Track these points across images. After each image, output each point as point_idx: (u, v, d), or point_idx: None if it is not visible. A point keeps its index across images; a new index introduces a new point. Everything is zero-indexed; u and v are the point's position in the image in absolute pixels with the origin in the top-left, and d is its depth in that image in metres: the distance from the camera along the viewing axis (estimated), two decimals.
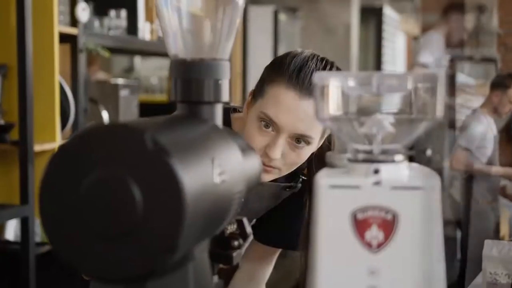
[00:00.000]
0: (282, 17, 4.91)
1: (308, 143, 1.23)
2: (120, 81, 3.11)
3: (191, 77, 0.79)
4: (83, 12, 2.59)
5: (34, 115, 2.35)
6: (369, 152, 0.70)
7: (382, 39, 7.27)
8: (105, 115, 2.88)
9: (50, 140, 2.45)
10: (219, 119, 0.81)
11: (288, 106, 1.21)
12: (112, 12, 2.97)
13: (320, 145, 1.32)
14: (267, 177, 1.27)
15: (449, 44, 4.55)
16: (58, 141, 2.49)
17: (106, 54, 2.73)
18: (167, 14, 0.81)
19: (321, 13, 5.26)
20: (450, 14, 4.48)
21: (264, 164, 1.24)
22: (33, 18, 2.37)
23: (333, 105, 0.70)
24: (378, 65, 7.36)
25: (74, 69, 2.62)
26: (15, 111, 2.34)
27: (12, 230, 2.52)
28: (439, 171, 4.38)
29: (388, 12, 7.40)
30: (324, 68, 1.25)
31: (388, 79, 0.68)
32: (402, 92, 0.69)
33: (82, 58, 2.62)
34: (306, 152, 1.25)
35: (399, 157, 0.70)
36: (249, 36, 4.65)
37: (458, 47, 4.74)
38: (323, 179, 0.68)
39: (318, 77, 0.70)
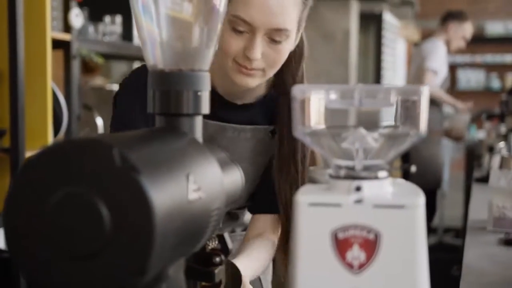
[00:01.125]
0: None
1: (286, 36, 1.21)
2: (116, 87, 3.08)
3: (170, 88, 0.77)
4: (77, 18, 2.57)
5: (26, 121, 2.33)
6: (351, 168, 0.68)
7: (382, 45, 7.24)
8: (100, 122, 2.85)
9: (42, 147, 2.43)
10: (198, 132, 0.78)
11: (259, 2, 1.17)
12: (107, 18, 2.94)
13: (297, 44, 1.30)
14: (252, 81, 1.25)
15: (448, 51, 4.62)
16: None
17: (99, 60, 2.70)
18: (145, 22, 0.78)
19: (320, 19, 5.24)
20: (448, 23, 4.53)
21: (246, 68, 1.22)
22: (26, 23, 2.34)
23: (314, 119, 0.68)
24: (377, 71, 7.33)
25: (67, 76, 2.59)
26: (7, 117, 2.32)
27: (2, 238, 2.50)
28: None
29: (388, 18, 7.38)
30: None
31: (370, 93, 0.66)
32: (385, 106, 0.67)
33: (76, 65, 2.60)
34: (285, 47, 1.23)
35: (382, 173, 0.67)
36: None
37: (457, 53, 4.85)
38: (302, 196, 0.66)
39: (298, 89, 0.67)
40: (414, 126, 0.67)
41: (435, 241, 5.37)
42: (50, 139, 2.46)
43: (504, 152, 2.88)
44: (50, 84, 2.43)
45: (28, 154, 2.34)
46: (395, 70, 8.21)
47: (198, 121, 0.78)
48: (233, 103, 1.35)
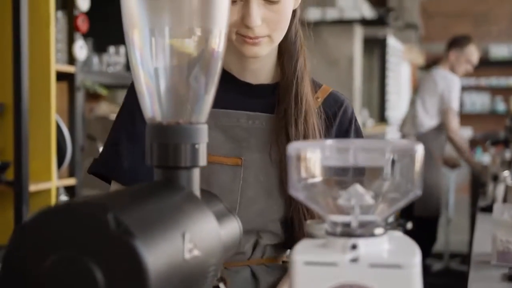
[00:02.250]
0: None
1: None
2: None
3: (168, 141, 0.77)
4: (81, 50, 2.59)
5: (30, 154, 2.34)
6: (347, 225, 0.68)
7: (386, 69, 7.26)
8: None
9: (46, 179, 2.43)
10: (196, 184, 0.79)
11: None
12: (112, 49, 2.96)
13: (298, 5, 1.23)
14: (260, 50, 1.17)
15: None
16: (54, 180, 2.47)
17: (103, 92, 2.72)
18: (143, 75, 0.79)
19: (323, 46, 5.26)
20: (449, 51, 4.55)
21: (249, 37, 1.15)
22: (30, 56, 2.36)
23: (309, 176, 0.68)
24: (382, 96, 7.34)
25: (71, 107, 2.61)
26: (11, 150, 2.33)
27: None
28: None
29: (392, 43, 7.40)
30: None
31: (365, 151, 0.66)
32: (380, 163, 0.67)
33: (80, 96, 2.61)
34: (285, 6, 1.16)
35: (378, 230, 0.67)
36: None
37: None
38: (299, 255, 0.66)
39: (293, 147, 0.67)
40: (410, 183, 0.67)
41: (442, 267, 5.34)
42: (54, 171, 2.46)
43: (509, 181, 2.86)
44: (54, 116, 2.44)
45: (32, 187, 2.34)
46: (399, 93, 8.22)
47: (196, 173, 0.79)
48: (248, 83, 1.26)
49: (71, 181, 2.63)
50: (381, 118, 7.25)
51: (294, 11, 1.23)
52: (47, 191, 2.45)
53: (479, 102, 9.86)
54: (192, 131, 0.77)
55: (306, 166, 0.68)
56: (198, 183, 0.79)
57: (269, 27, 1.15)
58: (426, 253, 4.47)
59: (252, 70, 1.26)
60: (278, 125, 1.22)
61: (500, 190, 2.84)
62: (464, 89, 9.85)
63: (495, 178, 3.20)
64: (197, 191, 0.77)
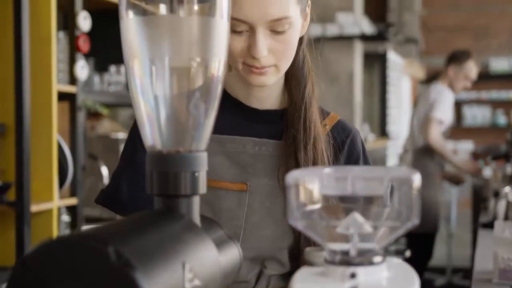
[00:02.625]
0: None
1: (288, 25, 1.12)
2: (121, 135, 3.11)
3: (168, 170, 0.78)
4: (82, 70, 2.60)
5: (31, 174, 2.34)
6: (346, 253, 0.68)
7: (386, 84, 7.29)
8: (105, 171, 2.87)
9: (47, 199, 2.44)
10: (196, 212, 0.79)
11: None
12: (113, 68, 2.98)
13: (308, 20, 1.22)
14: (267, 79, 1.16)
15: (454, 92, 4.64)
16: (55, 200, 2.47)
17: (104, 111, 2.73)
18: (143, 104, 0.80)
19: (324, 61, 5.28)
20: (448, 67, 4.56)
21: (256, 67, 1.14)
22: (32, 76, 2.38)
23: (307, 205, 0.68)
24: (383, 110, 7.36)
25: (72, 127, 2.62)
26: (13, 170, 2.33)
27: None
28: None
29: (392, 57, 7.43)
30: None
31: (362, 180, 0.67)
32: (378, 191, 0.67)
33: (81, 116, 2.63)
34: (292, 35, 1.14)
35: (377, 258, 0.68)
36: None
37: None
38: (298, 283, 0.66)
39: (291, 176, 0.68)
40: (408, 212, 0.67)
41: (444, 282, 5.33)
42: (56, 191, 2.47)
43: (510, 197, 2.86)
44: (55, 137, 2.45)
45: (33, 207, 2.35)
46: (400, 108, 8.24)
47: (196, 201, 0.79)
48: (254, 109, 1.26)
49: (72, 201, 2.64)
50: (382, 132, 7.26)
51: (301, 38, 1.23)
52: (49, 211, 2.45)
53: (480, 115, 9.88)
54: (192, 159, 0.78)
55: (304, 195, 0.68)
56: (198, 211, 0.79)
57: (275, 57, 1.14)
58: (423, 268, 4.47)
59: (259, 96, 1.26)
60: (286, 151, 1.21)
61: (502, 206, 2.84)
62: (465, 102, 9.88)
63: (496, 194, 3.20)
64: (197, 219, 0.78)
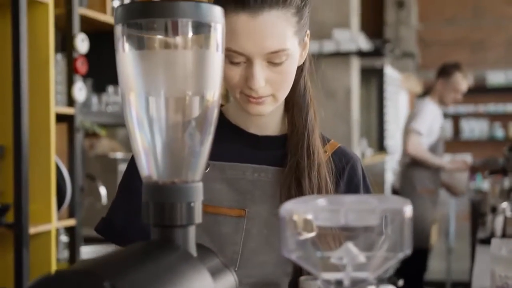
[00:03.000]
0: None
1: (286, 56, 1.12)
2: (119, 155, 3.12)
3: (164, 200, 0.79)
4: (80, 92, 2.62)
5: (30, 196, 2.35)
6: (340, 283, 0.69)
7: (384, 98, 7.31)
8: (103, 191, 2.88)
9: (46, 221, 2.44)
10: (191, 242, 0.80)
11: (245, 30, 1.10)
12: (110, 88, 3.00)
13: (307, 49, 1.21)
14: (264, 109, 1.17)
15: (445, 105, 4.62)
16: (54, 222, 2.48)
17: (102, 132, 2.75)
18: (139, 135, 0.81)
19: (321, 77, 5.31)
20: (437, 80, 4.56)
21: (253, 97, 1.14)
22: (30, 98, 2.39)
23: (301, 236, 0.70)
24: (380, 124, 7.38)
25: (71, 148, 2.63)
26: (11, 192, 2.34)
27: None
28: None
29: (389, 72, 7.47)
30: None
31: (355, 212, 0.68)
32: (370, 224, 0.68)
33: (79, 137, 2.64)
34: (290, 66, 1.15)
35: (370, 287, 0.69)
36: None
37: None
38: None
39: (285, 208, 0.69)
40: (400, 242, 0.68)
41: None
42: (54, 213, 2.47)
43: (508, 212, 2.87)
44: (53, 158, 2.46)
45: (32, 229, 2.35)
46: (398, 122, 8.26)
47: (191, 230, 0.80)
48: (254, 135, 1.27)
49: (71, 222, 2.64)
50: (380, 147, 7.28)
51: (302, 65, 1.23)
52: (47, 233, 2.45)
53: (478, 128, 9.91)
54: (188, 190, 0.79)
55: (298, 226, 0.70)
56: (194, 241, 0.80)
57: (273, 87, 1.15)
58: (419, 282, 4.46)
59: (258, 123, 1.26)
60: (289, 178, 1.21)
61: (499, 222, 2.84)
62: (463, 115, 9.92)
63: (494, 210, 3.21)
64: (193, 249, 0.79)
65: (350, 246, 0.69)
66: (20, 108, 2.33)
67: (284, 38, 1.11)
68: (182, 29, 0.77)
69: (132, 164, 1.25)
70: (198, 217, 0.80)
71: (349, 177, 1.28)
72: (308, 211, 0.69)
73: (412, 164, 4.38)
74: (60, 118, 2.58)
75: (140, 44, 0.79)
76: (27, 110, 2.35)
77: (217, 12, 0.79)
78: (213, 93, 0.81)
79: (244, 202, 1.22)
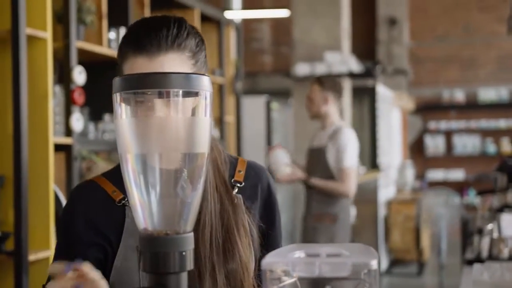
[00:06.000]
0: (274, 105, 5.05)
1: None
2: None
3: (158, 250, 0.88)
4: (77, 122, 2.70)
5: (29, 224, 2.43)
6: None
7: (376, 117, 7.40)
8: None
9: (44, 248, 2.52)
10: (184, 286, 0.89)
11: (142, 71, 1.15)
12: (107, 117, 3.09)
13: None
14: None
15: None
16: (52, 248, 2.55)
17: (98, 160, 2.83)
18: (136, 194, 0.90)
19: None
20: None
21: None
22: (30, 129, 2.47)
23: (280, 286, 0.78)
24: (373, 142, 7.47)
25: (68, 176, 2.71)
26: (11, 221, 2.42)
27: None
28: None
29: (381, 90, 7.57)
30: (161, 21, 1.19)
31: (328, 265, 0.77)
32: (342, 275, 0.77)
33: (76, 166, 2.72)
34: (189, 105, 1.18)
35: None
36: (243, 125, 4.78)
37: None
38: None
39: (265, 262, 0.78)
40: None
41: None
42: (53, 240, 2.55)
43: (494, 234, 2.94)
44: (52, 187, 2.54)
45: (31, 256, 2.43)
46: (390, 139, 8.35)
47: (184, 277, 0.89)
48: None
49: None
50: (373, 165, 7.36)
51: None
52: (46, 260, 2.53)
53: (470, 144, 10.01)
54: (180, 241, 0.88)
55: (279, 278, 0.78)
56: (186, 286, 0.89)
57: None
58: None
59: None
60: None
61: (485, 243, 2.91)
62: (455, 131, 10.04)
63: (480, 231, 3.28)
64: None
65: None
66: (20, 138, 2.41)
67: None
68: (173, 98, 0.87)
69: (68, 227, 1.23)
70: (190, 264, 0.89)
71: (265, 194, 1.32)
72: (287, 264, 0.78)
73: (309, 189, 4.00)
74: (58, 147, 2.66)
75: (135, 111, 0.88)
76: (27, 140, 2.43)
77: (205, 81, 0.88)
78: (202, 151, 0.91)
79: None
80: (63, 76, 2.76)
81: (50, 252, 2.54)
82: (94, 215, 1.22)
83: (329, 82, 3.85)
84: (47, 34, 2.55)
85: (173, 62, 1.17)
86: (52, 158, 2.53)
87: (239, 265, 1.21)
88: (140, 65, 1.16)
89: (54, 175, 2.58)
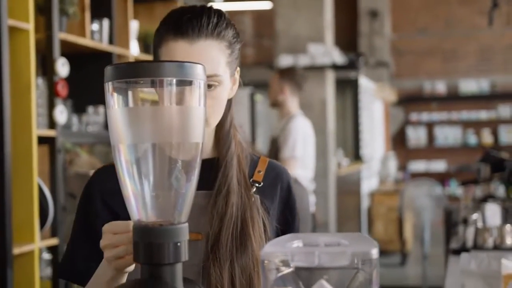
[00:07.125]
0: (258, 97, 5.03)
1: (218, 82, 1.20)
2: None
3: (152, 241, 0.86)
4: (61, 114, 2.67)
5: (13, 217, 2.40)
6: None
7: (359, 108, 7.43)
8: None
9: (29, 241, 2.49)
10: (179, 278, 0.88)
11: (183, 55, 1.18)
12: (90, 109, 3.06)
13: (237, 85, 1.28)
14: None
15: None
16: (37, 242, 2.53)
17: (82, 153, 2.80)
18: (129, 184, 0.88)
19: None
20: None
21: None
22: (13, 122, 2.44)
23: (279, 275, 0.77)
24: (356, 134, 7.49)
25: (52, 169, 2.68)
26: None
27: None
28: None
29: (364, 82, 7.59)
30: (202, 9, 1.23)
31: (328, 255, 0.76)
32: (342, 264, 0.76)
33: (60, 158, 2.69)
34: (221, 93, 1.22)
35: None
36: None
37: None
38: None
39: (265, 252, 0.77)
40: (369, 280, 0.76)
41: None
42: (37, 233, 2.53)
43: (479, 224, 2.96)
44: (36, 180, 2.51)
45: (15, 249, 2.40)
46: (373, 131, 8.38)
47: (179, 268, 0.88)
48: None
49: (53, 241, 2.69)
50: (356, 156, 7.39)
51: (230, 100, 1.30)
52: (30, 253, 2.50)
53: (452, 135, 10.08)
54: (174, 231, 0.87)
55: (277, 268, 0.77)
56: (181, 277, 0.88)
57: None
58: None
59: None
60: (210, 201, 1.25)
61: (470, 233, 2.93)
62: (436, 123, 10.10)
63: (465, 221, 3.30)
64: (180, 285, 0.86)
65: (324, 283, 0.77)
66: (3, 131, 2.37)
67: (217, 64, 1.21)
68: (167, 87, 0.85)
69: (85, 203, 1.27)
70: (185, 255, 0.88)
71: (284, 195, 1.33)
72: (286, 254, 0.77)
73: None
74: (42, 140, 2.63)
75: (128, 101, 0.87)
76: (10, 133, 2.40)
77: (199, 70, 0.87)
78: (197, 140, 0.89)
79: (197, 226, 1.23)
80: (45, 68, 2.72)
81: (35, 246, 2.51)
82: (109, 197, 1.23)
83: (287, 73, 3.96)
84: (30, 26, 2.51)
85: (212, 49, 1.20)
86: (35, 150, 2.50)
87: (250, 259, 1.21)
88: (180, 48, 1.19)
89: (38, 165, 2.55)
